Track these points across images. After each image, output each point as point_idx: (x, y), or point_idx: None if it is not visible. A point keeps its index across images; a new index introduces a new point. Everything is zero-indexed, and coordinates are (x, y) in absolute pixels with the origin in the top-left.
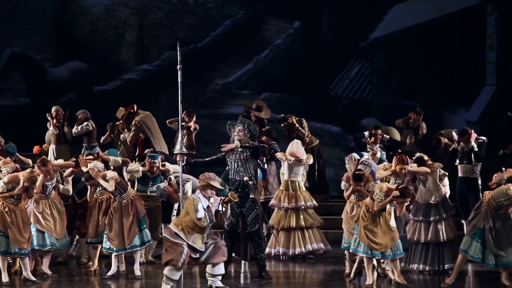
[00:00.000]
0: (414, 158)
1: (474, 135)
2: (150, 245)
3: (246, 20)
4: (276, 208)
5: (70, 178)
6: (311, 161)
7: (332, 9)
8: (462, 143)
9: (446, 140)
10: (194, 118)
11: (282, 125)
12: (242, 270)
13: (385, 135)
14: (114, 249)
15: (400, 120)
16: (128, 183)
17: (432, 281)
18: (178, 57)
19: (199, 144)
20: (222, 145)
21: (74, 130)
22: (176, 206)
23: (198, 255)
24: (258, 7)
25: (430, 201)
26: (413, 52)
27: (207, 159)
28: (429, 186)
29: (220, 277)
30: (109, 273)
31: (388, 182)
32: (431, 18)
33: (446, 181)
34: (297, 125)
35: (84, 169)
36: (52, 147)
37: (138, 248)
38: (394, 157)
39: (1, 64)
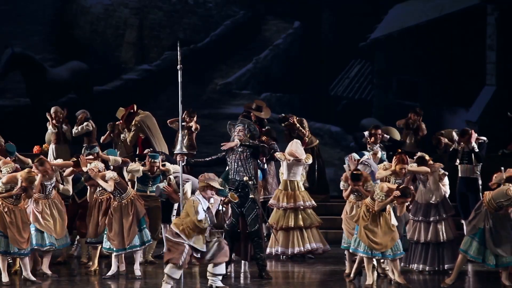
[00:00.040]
0: (415, 157)
1: (474, 136)
2: (150, 245)
3: (246, 20)
4: (275, 208)
5: (70, 178)
6: (310, 161)
7: (332, 9)
8: (462, 144)
9: (446, 140)
10: (195, 118)
11: (283, 124)
12: (242, 270)
13: (385, 135)
14: (114, 249)
15: (402, 121)
16: (129, 183)
17: (432, 281)
18: (179, 57)
19: (199, 144)
20: (222, 144)
21: (74, 130)
22: (176, 206)
23: (199, 255)
24: (258, 7)
25: (431, 201)
26: (413, 52)
27: (207, 159)
28: (430, 186)
29: (220, 277)
30: (109, 273)
31: (388, 182)
32: (431, 18)
33: (446, 180)
34: (297, 125)
35: (85, 169)
36: (52, 147)
37: (138, 248)
38: (394, 157)
39: (1, 64)
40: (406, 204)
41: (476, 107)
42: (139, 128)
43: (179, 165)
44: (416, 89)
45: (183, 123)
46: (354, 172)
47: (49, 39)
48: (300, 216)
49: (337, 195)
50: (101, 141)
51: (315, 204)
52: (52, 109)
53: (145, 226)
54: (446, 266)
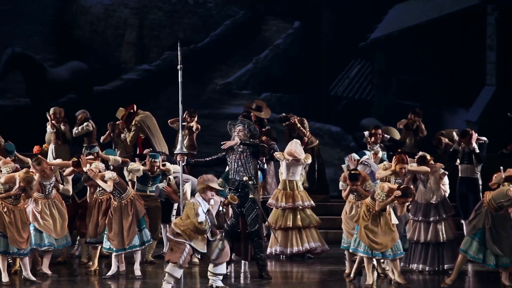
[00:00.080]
0: (416, 157)
1: (475, 136)
2: (150, 245)
3: (246, 20)
4: (273, 208)
5: (70, 178)
6: (309, 161)
7: (332, 9)
8: (462, 144)
9: (446, 140)
10: (195, 118)
11: (284, 124)
12: (242, 270)
13: (385, 135)
14: (114, 249)
15: (403, 122)
16: (129, 183)
17: (432, 281)
18: (179, 57)
19: (199, 144)
20: (222, 143)
21: (74, 130)
22: (175, 206)
23: (200, 256)
24: (258, 7)
25: (431, 201)
26: (413, 52)
27: (207, 159)
28: (431, 185)
29: (221, 277)
30: (109, 273)
31: (389, 182)
32: (431, 18)
33: (446, 180)
34: (298, 124)
35: (85, 169)
36: (51, 147)
37: (138, 248)
38: (394, 157)
39: (1, 64)
40: (407, 204)
41: (476, 107)
42: (139, 128)
43: (179, 165)
44: (416, 89)
45: (184, 123)
46: (352, 172)
47: (49, 39)
48: (298, 216)
49: (337, 195)
50: (101, 140)
51: (314, 204)
52: (51, 110)
53: (145, 226)
54: (446, 266)
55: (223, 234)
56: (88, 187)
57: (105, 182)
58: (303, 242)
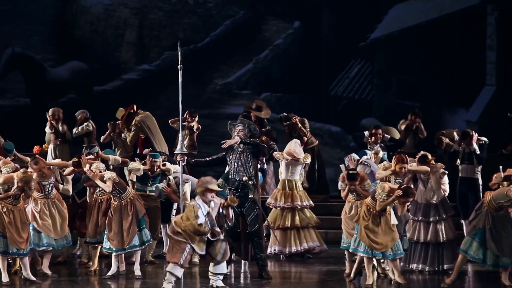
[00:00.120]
0: (417, 156)
1: (475, 137)
2: (149, 245)
3: (246, 20)
4: (272, 207)
5: (70, 178)
6: (308, 160)
7: (332, 9)
8: (463, 144)
9: (447, 140)
10: (196, 118)
11: (285, 124)
12: (242, 270)
13: (386, 135)
14: (114, 249)
15: (404, 123)
16: (129, 183)
17: (432, 281)
18: (179, 57)
19: (199, 144)
20: (222, 142)
21: (74, 130)
22: (175, 206)
23: (201, 256)
24: (258, 7)
25: (432, 201)
26: (413, 52)
27: (207, 159)
28: (432, 185)
29: (221, 276)
30: (109, 273)
31: (389, 181)
32: (431, 18)
33: (445, 179)
34: (299, 125)
35: (85, 169)
36: (51, 147)
37: (138, 248)
38: (394, 157)
39: (1, 64)
40: (408, 204)
41: (476, 107)
42: (139, 128)
43: (179, 165)
44: (416, 89)
45: (184, 123)
46: (350, 171)
47: (49, 39)
48: (297, 217)
49: (337, 195)
50: (101, 140)
51: (313, 204)
52: (50, 111)
53: (144, 226)
54: (445, 267)
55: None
56: (88, 187)
57: (104, 182)
58: (302, 242)
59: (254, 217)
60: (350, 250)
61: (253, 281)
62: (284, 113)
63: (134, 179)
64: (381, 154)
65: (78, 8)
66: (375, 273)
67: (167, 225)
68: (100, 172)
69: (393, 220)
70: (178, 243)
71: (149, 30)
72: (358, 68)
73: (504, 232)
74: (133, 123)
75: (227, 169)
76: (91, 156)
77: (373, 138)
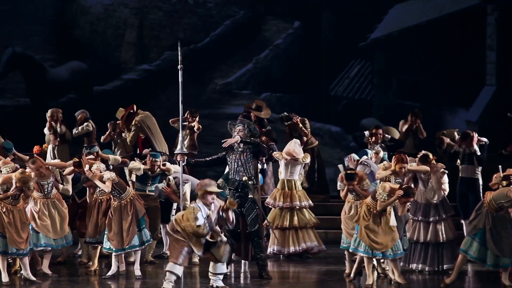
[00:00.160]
0: (418, 155)
1: (476, 139)
2: (149, 245)
3: (246, 20)
4: (271, 207)
5: (70, 178)
6: (307, 160)
7: (332, 9)
8: (463, 145)
9: (448, 140)
10: (197, 118)
11: (286, 123)
12: (242, 270)
13: (386, 135)
14: (114, 249)
15: (405, 125)
16: (130, 183)
17: (432, 281)
18: (179, 57)
19: (199, 144)
20: (223, 141)
21: (74, 131)
22: (175, 205)
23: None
24: (258, 7)
25: (433, 200)
26: (413, 52)
27: (207, 158)
28: (433, 185)
29: (221, 276)
30: (109, 273)
31: (389, 181)
32: (431, 18)
33: (445, 178)
34: (300, 125)
35: (85, 170)
36: (50, 147)
37: (138, 248)
38: (394, 157)
39: (1, 63)
40: (408, 204)
41: (476, 107)
42: (139, 128)
43: (179, 165)
44: (416, 89)
45: (185, 123)
46: (348, 171)
47: (49, 39)
48: (295, 217)
49: (337, 195)
50: (101, 140)
51: (312, 204)
52: (49, 112)
53: (144, 226)
54: (445, 267)
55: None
56: (87, 188)
57: (104, 182)
58: (300, 242)
59: (254, 217)
60: (350, 250)
61: (253, 281)
62: (285, 113)
63: (134, 179)
64: (381, 154)
65: (78, 8)
66: (375, 273)
67: (167, 225)
68: (101, 172)
69: (392, 222)
70: (177, 241)
71: (149, 30)
72: (358, 68)
73: (504, 232)
74: (133, 123)
75: (227, 169)
76: (91, 156)
77: (373, 138)
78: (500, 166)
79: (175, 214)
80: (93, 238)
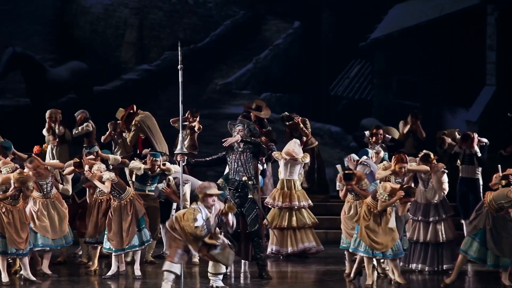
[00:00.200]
0: (420, 155)
1: (476, 140)
2: (149, 244)
3: (246, 20)
4: (271, 207)
5: (70, 178)
6: (307, 160)
7: (332, 9)
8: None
9: (449, 140)
10: (198, 118)
11: (287, 123)
12: (242, 270)
13: (387, 135)
14: (113, 249)
15: (406, 127)
16: (130, 183)
17: (431, 281)
18: (179, 57)
19: (199, 144)
20: (223, 140)
21: (74, 131)
22: (175, 205)
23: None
24: (258, 7)
25: (433, 200)
26: (413, 52)
27: (207, 158)
28: (434, 185)
29: (221, 276)
30: (109, 273)
31: (389, 181)
32: (431, 18)
33: (445, 177)
34: (301, 125)
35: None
36: (49, 147)
37: (137, 248)
38: (393, 156)
39: (2, 63)
40: (409, 204)
41: (476, 107)
42: (139, 128)
43: (179, 165)
44: (416, 89)
45: (185, 123)
46: (346, 172)
47: (49, 39)
48: (294, 217)
49: (336, 195)
50: (102, 140)
51: (311, 203)
52: (47, 113)
53: (144, 226)
54: (445, 267)
55: (222, 234)
56: (87, 188)
57: (103, 183)
58: (298, 242)
59: (254, 217)
60: (350, 250)
61: (253, 281)
62: (286, 113)
63: (134, 179)
64: (382, 154)
65: (78, 8)
66: (375, 273)
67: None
68: (102, 172)
69: (391, 224)
70: (173, 239)
71: (149, 30)
72: (358, 68)
73: (504, 232)
74: (133, 123)
75: (227, 169)
76: (91, 156)
77: (374, 138)
78: (499, 166)
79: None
80: (93, 238)
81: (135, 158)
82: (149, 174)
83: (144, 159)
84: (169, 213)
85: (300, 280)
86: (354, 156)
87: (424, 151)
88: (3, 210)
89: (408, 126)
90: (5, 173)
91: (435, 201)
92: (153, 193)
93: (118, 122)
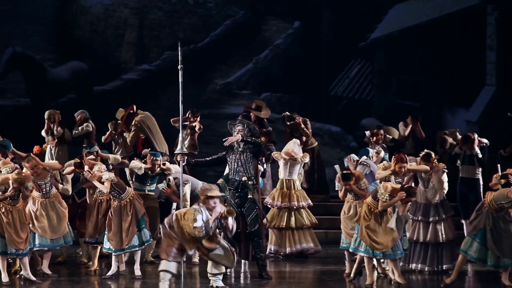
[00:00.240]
0: (421, 154)
1: (477, 141)
2: (149, 244)
3: (246, 20)
4: (270, 206)
5: (69, 178)
6: (306, 160)
7: (332, 9)
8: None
9: (451, 139)
10: (198, 118)
11: (288, 123)
12: (242, 270)
13: (387, 136)
14: (113, 249)
15: (407, 129)
16: (130, 183)
17: (431, 281)
18: (179, 57)
19: (198, 144)
20: (224, 139)
21: (74, 131)
22: (175, 205)
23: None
24: (258, 7)
25: (434, 200)
26: (413, 52)
27: (207, 158)
28: (435, 184)
29: (221, 276)
30: (109, 273)
31: (389, 181)
32: (431, 18)
33: (444, 177)
34: (302, 125)
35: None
36: (48, 148)
37: (137, 248)
38: (393, 156)
39: (2, 63)
40: (409, 204)
41: (476, 107)
42: (139, 128)
43: (179, 165)
44: (416, 89)
45: (186, 123)
46: (344, 172)
47: (49, 39)
48: (292, 217)
49: (336, 195)
50: (102, 140)
51: (311, 203)
52: (46, 114)
53: (144, 225)
54: (444, 267)
55: (222, 234)
56: (87, 188)
57: (102, 183)
58: (296, 243)
59: (254, 217)
60: (351, 250)
61: (253, 281)
62: (287, 112)
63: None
64: (382, 154)
65: (78, 8)
66: (375, 273)
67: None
68: (102, 173)
69: (391, 224)
70: (169, 236)
71: (149, 30)
72: (358, 68)
73: (504, 232)
74: (133, 123)
75: (227, 169)
76: (91, 156)
77: (374, 138)
78: (498, 165)
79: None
80: (93, 238)
81: (135, 158)
82: (148, 174)
83: (144, 159)
84: (169, 213)
85: (300, 280)
86: (353, 156)
87: (426, 150)
88: (3, 210)
89: (409, 128)
90: (5, 173)
91: (436, 201)
92: (152, 193)
93: (118, 122)
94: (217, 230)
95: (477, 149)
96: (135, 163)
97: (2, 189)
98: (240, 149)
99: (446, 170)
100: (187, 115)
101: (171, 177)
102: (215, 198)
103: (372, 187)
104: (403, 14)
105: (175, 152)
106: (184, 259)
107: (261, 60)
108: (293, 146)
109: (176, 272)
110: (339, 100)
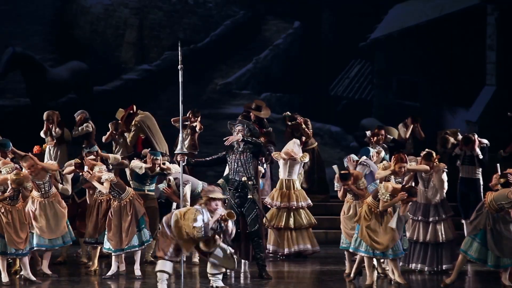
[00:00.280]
0: (422, 154)
1: (477, 142)
2: (149, 244)
3: (246, 20)
4: (270, 206)
5: (69, 177)
6: (306, 160)
7: (332, 9)
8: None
9: (452, 139)
10: (199, 118)
11: (289, 123)
12: (242, 270)
13: (388, 136)
14: (113, 249)
15: (408, 130)
16: (131, 183)
17: (431, 281)
18: (179, 57)
19: (199, 144)
20: (224, 138)
21: (74, 131)
22: (174, 205)
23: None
24: (258, 7)
25: (434, 200)
26: (413, 52)
27: (207, 158)
28: (435, 184)
29: (221, 276)
30: (109, 273)
31: (389, 181)
32: (431, 18)
33: (444, 176)
34: (303, 125)
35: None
36: (48, 148)
37: (137, 248)
38: (393, 156)
39: (2, 63)
40: (410, 204)
41: (476, 107)
42: (139, 128)
43: (179, 165)
44: (416, 89)
45: (186, 123)
46: (342, 172)
47: (49, 39)
48: (291, 218)
49: (336, 195)
50: (103, 140)
51: (311, 203)
52: (44, 115)
53: (144, 225)
54: (444, 267)
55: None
56: (87, 189)
57: (102, 183)
58: (294, 243)
59: (254, 217)
60: (351, 250)
61: (253, 281)
62: (289, 112)
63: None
64: (382, 153)
65: (78, 8)
66: (375, 273)
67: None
68: (102, 173)
69: (392, 224)
70: (165, 235)
71: (149, 30)
72: (358, 68)
73: (505, 233)
74: (133, 124)
75: (226, 170)
76: (91, 156)
77: (375, 138)
78: (498, 165)
79: None
80: (93, 238)
81: (135, 158)
82: (148, 174)
83: (144, 159)
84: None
85: (300, 280)
86: (353, 156)
87: (427, 149)
88: (2, 210)
89: (410, 130)
90: (5, 173)
91: (436, 201)
92: (152, 193)
93: (119, 122)
94: (216, 236)
95: (478, 150)
96: (136, 163)
97: (2, 189)
98: (240, 149)
99: (446, 170)
100: (187, 115)
101: (171, 177)
102: (217, 200)
103: (372, 187)
104: (403, 14)
105: (175, 152)
106: (184, 259)
107: (261, 60)
108: (293, 146)
109: (172, 271)
110: (339, 100)
